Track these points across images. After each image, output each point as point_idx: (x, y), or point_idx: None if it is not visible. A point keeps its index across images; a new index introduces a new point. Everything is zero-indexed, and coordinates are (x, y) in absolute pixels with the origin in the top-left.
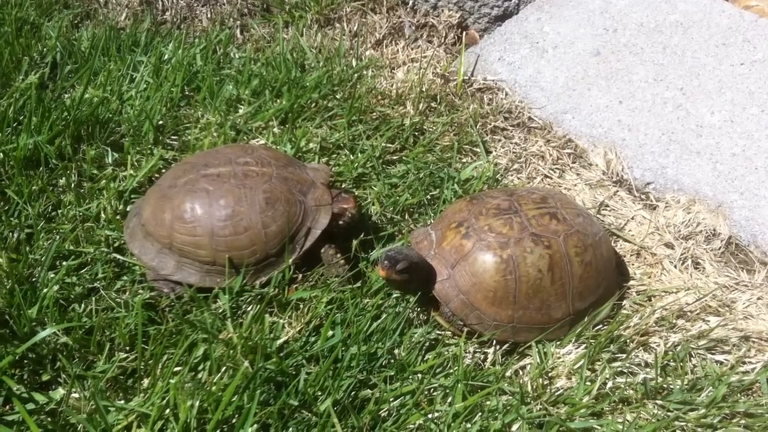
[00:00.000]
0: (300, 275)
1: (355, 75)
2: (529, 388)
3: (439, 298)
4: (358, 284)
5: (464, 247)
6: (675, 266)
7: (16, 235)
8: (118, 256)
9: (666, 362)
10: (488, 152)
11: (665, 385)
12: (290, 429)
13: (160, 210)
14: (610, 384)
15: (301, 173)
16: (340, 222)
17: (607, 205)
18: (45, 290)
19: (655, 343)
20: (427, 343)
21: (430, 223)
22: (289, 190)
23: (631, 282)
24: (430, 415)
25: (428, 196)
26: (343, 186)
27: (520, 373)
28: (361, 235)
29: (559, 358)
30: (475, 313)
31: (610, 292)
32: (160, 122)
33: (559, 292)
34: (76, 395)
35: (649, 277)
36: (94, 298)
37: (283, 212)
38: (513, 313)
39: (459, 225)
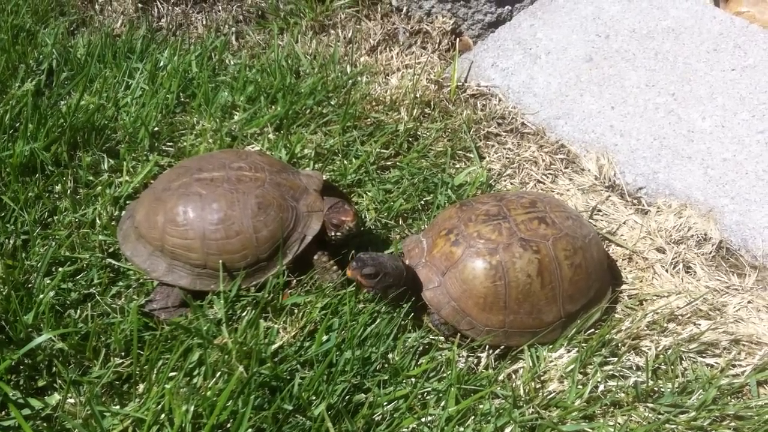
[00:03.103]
0: (294, 280)
1: (350, 81)
2: (522, 391)
3: (430, 305)
4: (352, 289)
5: (454, 254)
6: (666, 270)
7: (12, 242)
8: (114, 262)
9: (657, 365)
10: (482, 158)
11: (656, 388)
12: None
13: (153, 213)
14: (601, 387)
15: (294, 179)
16: (338, 233)
17: (600, 210)
18: (41, 296)
19: (646, 346)
20: (421, 348)
21: (423, 229)
22: (282, 196)
23: (623, 286)
24: (423, 419)
25: (422, 202)
26: (341, 190)
27: (513, 377)
28: (357, 241)
29: (551, 361)
30: (466, 320)
31: (602, 294)
32: (156, 129)
33: (549, 296)
34: (72, 401)
35: (641, 281)
36: (89, 304)
37: (274, 217)
38: (504, 318)
39: (449, 232)
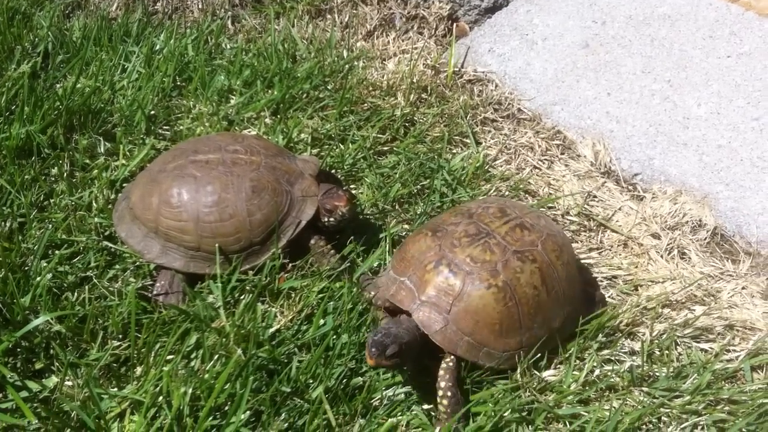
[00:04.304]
0: (289, 264)
1: (346, 66)
2: (518, 376)
3: (444, 348)
4: (348, 271)
5: (454, 287)
6: (661, 256)
7: (8, 224)
8: (110, 245)
9: (652, 350)
10: (478, 143)
11: (651, 373)
12: (282, 415)
13: (148, 194)
14: (597, 372)
15: (290, 164)
16: (331, 219)
17: (595, 196)
18: (38, 279)
19: (641, 331)
20: None
21: (388, 265)
22: (277, 180)
23: (618, 272)
24: (422, 406)
25: (419, 186)
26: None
27: None
28: (352, 226)
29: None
30: (484, 351)
31: (579, 287)
32: (152, 112)
33: (555, 301)
34: (70, 383)
35: (636, 267)
36: (87, 287)
37: (269, 201)
38: (521, 338)
39: (437, 264)
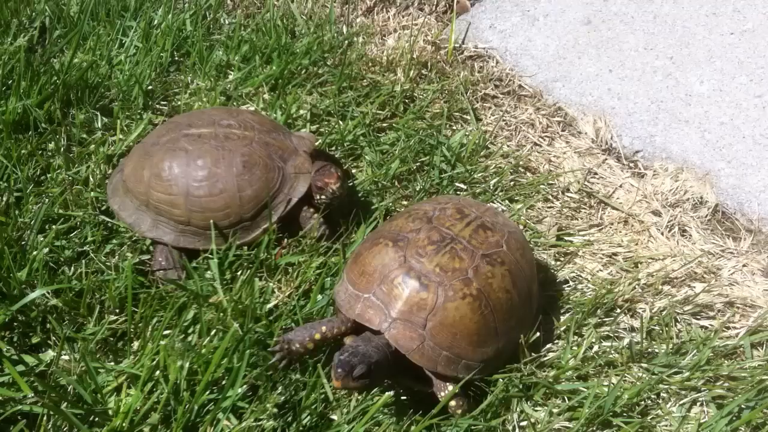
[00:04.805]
0: (285, 240)
1: (346, 42)
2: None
3: (423, 366)
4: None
5: (427, 300)
6: (662, 233)
7: (5, 199)
8: (107, 219)
9: (651, 327)
10: (478, 119)
11: (650, 349)
12: (279, 390)
13: (140, 167)
14: (596, 348)
15: (284, 140)
16: (322, 196)
17: (596, 173)
18: (35, 253)
19: (641, 308)
20: None
21: (343, 278)
22: (269, 156)
23: (619, 249)
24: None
25: (418, 163)
26: (337, 154)
27: None
28: (346, 201)
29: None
30: (462, 364)
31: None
32: (150, 87)
33: (524, 300)
34: (66, 357)
35: (636, 244)
36: (83, 261)
37: (260, 177)
38: (497, 345)
39: (405, 276)
